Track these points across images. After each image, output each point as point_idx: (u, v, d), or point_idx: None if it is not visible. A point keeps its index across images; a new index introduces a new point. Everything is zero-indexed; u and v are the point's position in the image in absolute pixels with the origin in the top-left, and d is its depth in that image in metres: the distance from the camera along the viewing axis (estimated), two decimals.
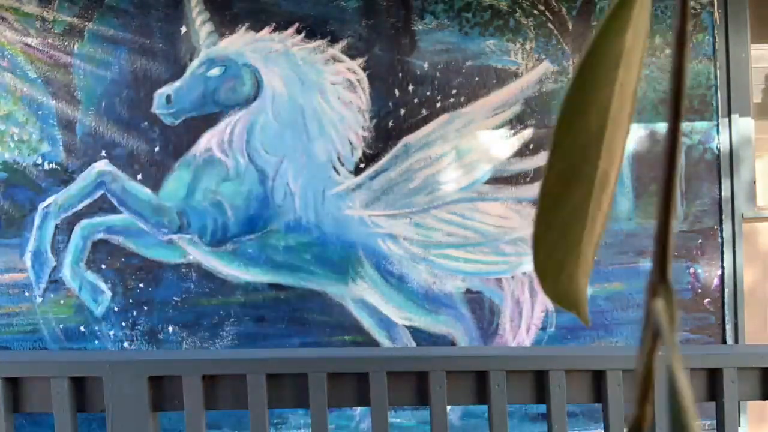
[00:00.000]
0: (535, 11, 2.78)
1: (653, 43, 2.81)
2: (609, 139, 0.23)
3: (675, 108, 0.17)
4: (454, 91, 2.77)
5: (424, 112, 2.76)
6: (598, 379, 1.53)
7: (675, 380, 0.16)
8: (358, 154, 2.76)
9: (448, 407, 1.64)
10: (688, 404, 0.16)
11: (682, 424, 0.15)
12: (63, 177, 2.72)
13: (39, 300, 2.74)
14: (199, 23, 2.71)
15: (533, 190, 2.79)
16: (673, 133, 0.17)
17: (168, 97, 2.71)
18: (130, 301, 2.74)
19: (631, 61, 0.24)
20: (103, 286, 2.74)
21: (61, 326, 2.74)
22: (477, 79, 2.77)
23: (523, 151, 2.78)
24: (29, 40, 2.69)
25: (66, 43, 2.70)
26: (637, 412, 0.18)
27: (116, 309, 2.74)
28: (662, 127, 2.87)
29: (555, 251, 0.23)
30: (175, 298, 2.74)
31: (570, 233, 0.23)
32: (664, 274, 0.17)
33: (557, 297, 0.25)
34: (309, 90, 2.73)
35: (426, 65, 2.77)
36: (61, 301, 2.74)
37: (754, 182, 2.85)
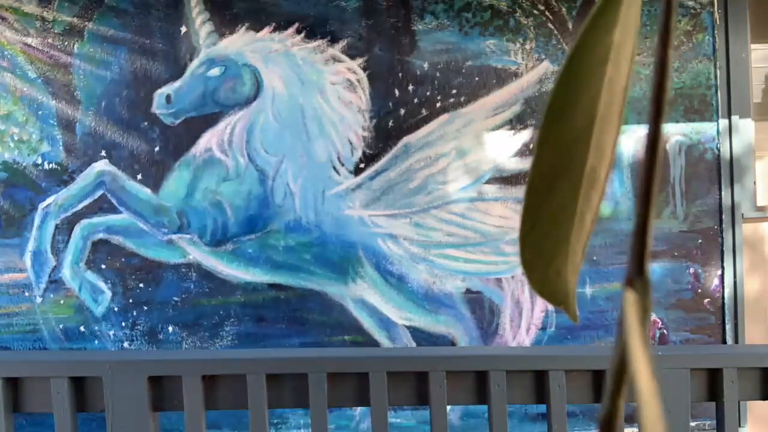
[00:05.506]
0: (535, 11, 2.78)
1: (652, 42, 2.80)
2: (598, 135, 0.23)
3: (657, 103, 0.17)
4: (454, 91, 2.77)
5: (424, 112, 2.76)
6: (598, 379, 1.53)
7: (637, 375, 0.16)
8: (358, 154, 2.76)
9: (448, 407, 1.64)
10: (650, 398, 0.16)
11: (644, 417, 0.15)
12: (63, 177, 2.73)
13: (39, 300, 2.74)
14: (199, 23, 2.71)
15: None
16: (655, 127, 0.17)
17: (168, 97, 2.71)
18: (130, 301, 2.74)
19: (621, 57, 0.24)
20: (103, 286, 2.74)
21: (61, 326, 2.74)
22: (477, 79, 2.77)
23: (523, 151, 2.78)
24: (29, 40, 2.69)
25: (66, 43, 2.70)
26: (609, 407, 0.17)
27: (116, 309, 2.74)
28: (665, 128, 2.87)
29: (542, 246, 0.23)
30: (175, 298, 2.74)
31: (557, 228, 0.23)
32: (642, 268, 0.17)
33: (544, 292, 0.25)
34: (309, 90, 2.73)
35: (426, 65, 2.77)
36: (61, 301, 2.74)
37: (754, 182, 2.85)
